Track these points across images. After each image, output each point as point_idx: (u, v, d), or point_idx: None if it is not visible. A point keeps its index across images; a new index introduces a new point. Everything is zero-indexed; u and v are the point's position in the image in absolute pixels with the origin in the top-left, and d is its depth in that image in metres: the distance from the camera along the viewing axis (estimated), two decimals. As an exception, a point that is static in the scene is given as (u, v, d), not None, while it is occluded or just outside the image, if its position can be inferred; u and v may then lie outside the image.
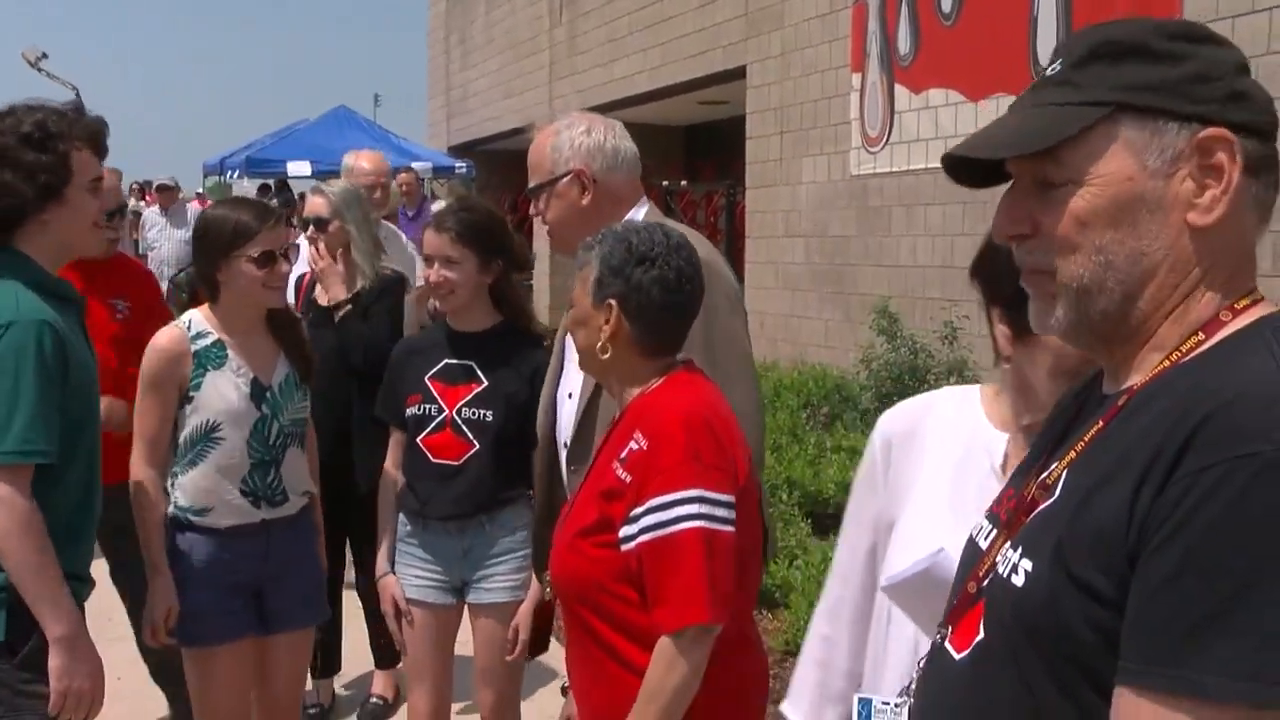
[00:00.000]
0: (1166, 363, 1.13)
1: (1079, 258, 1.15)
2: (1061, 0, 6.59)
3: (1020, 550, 1.15)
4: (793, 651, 4.41)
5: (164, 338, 2.95)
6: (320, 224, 3.95)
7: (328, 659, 4.23)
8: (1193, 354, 1.12)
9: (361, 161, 5.24)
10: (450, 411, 3.00)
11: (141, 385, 2.94)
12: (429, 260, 3.05)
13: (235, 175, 15.78)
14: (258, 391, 2.96)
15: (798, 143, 9.32)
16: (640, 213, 2.73)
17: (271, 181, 16.54)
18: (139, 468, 2.94)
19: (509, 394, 3.00)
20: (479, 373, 3.02)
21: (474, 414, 2.99)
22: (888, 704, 1.51)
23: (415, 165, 11.77)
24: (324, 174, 15.63)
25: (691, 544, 1.99)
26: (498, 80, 16.96)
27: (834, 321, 8.83)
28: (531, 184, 2.71)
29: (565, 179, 2.67)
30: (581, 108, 13.38)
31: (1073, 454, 1.17)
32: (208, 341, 2.95)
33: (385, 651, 4.21)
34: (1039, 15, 6.75)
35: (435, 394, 3.02)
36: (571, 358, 2.74)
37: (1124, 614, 1.02)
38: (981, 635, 1.18)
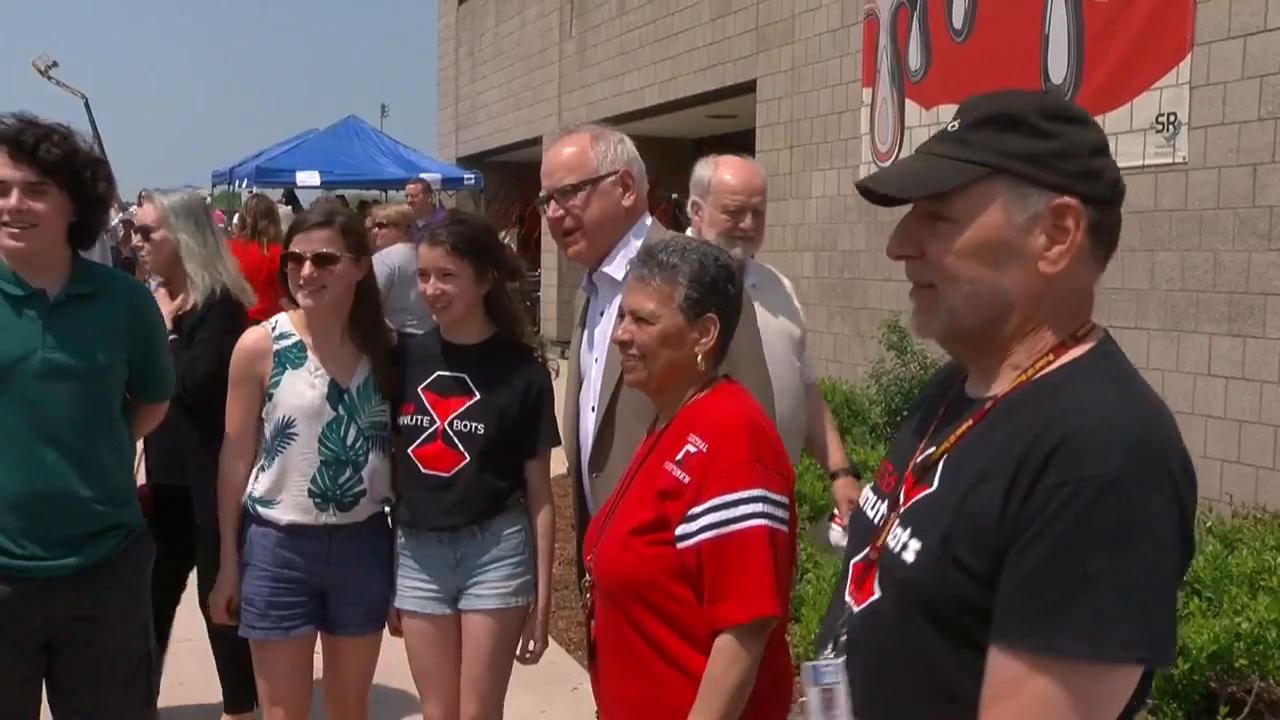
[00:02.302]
0: (1023, 377, 1.42)
1: (957, 285, 1.42)
2: (1073, 18, 6.62)
3: (909, 531, 1.43)
4: (803, 665, 4.41)
5: (249, 337, 3.11)
6: (145, 233, 3.74)
7: (238, 692, 3.78)
8: (1043, 372, 1.41)
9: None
10: (442, 423, 3.01)
11: (229, 382, 3.11)
12: (424, 274, 3.03)
13: (244, 185, 15.84)
14: (334, 393, 3.04)
15: (807, 157, 9.34)
16: (646, 224, 2.79)
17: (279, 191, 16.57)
18: (223, 458, 3.12)
19: (501, 408, 3.00)
20: (471, 385, 3.03)
21: (465, 426, 2.99)
22: (829, 664, 1.56)
23: (424, 176, 11.79)
24: (332, 184, 15.74)
25: (756, 540, 2.06)
26: (507, 92, 17.02)
27: (843, 336, 8.84)
28: (569, 182, 2.71)
29: (610, 178, 2.72)
30: (591, 120, 13.37)
31: (948, 445, 1.45)
32: (289, 342, 3.08)
33: (236, 691, 3.79)
34: (1050, 33, 6.77)
35: (427, 405, 3.03)
36: (593, 372, 2.75)
37: (992, 589, 1.32)
38: (877, 594, 1.47)
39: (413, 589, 3.09)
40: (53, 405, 2.65)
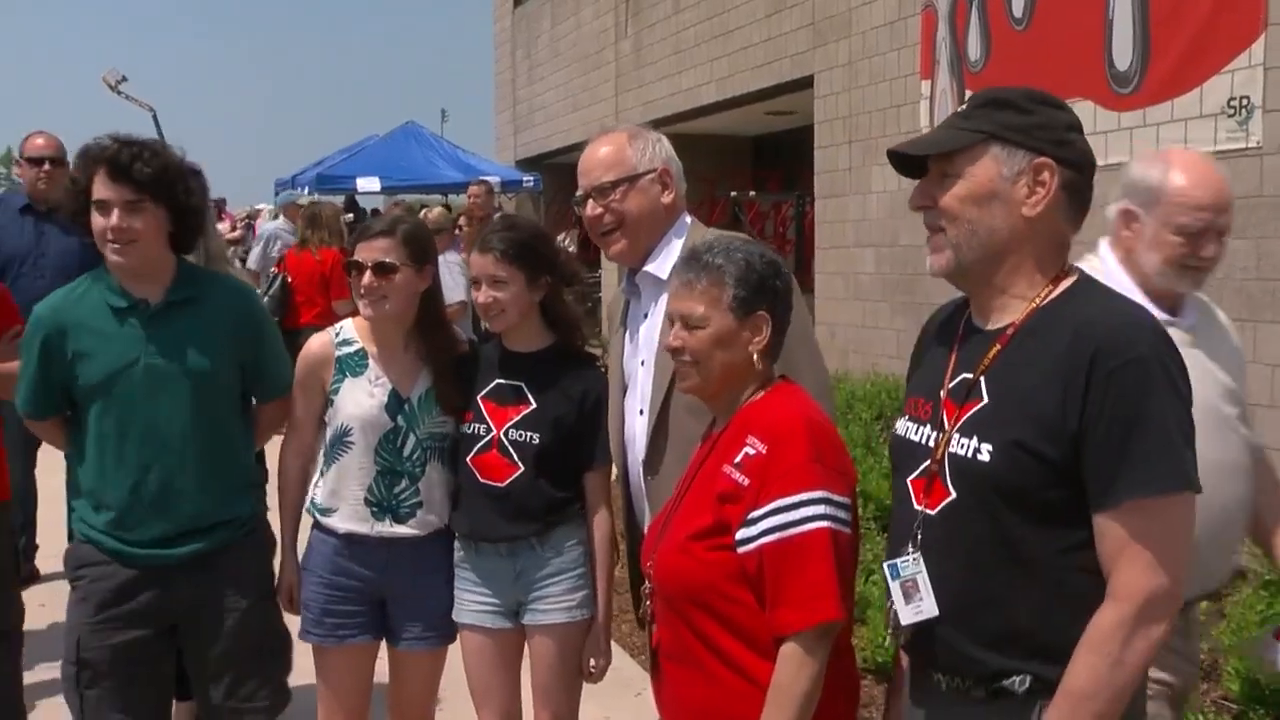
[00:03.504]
0: (1032, 306, 1.83)
1: (957, 225, 1.85)
2: (1138, 2, 6.45)
3: (975, 438, 1.79)
4: (870, 668, 4.33)
5: (314, 342, 3.14)
6: None
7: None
8: (1048, 300, 1.83)
9: None
10: (498, 432, 2.96)
11: (295, 381, 3.15)
12: (476, 282, 2.98)
13: (306, 192, 16.06)
14: (394, 402, 3.03)
15: (867, 151, 9.23)
16: (686, 223, 2.77)
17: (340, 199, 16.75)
18: (282, 454, 3.19)
19: (557, 417, 2.94)
20: (528, 394, 2.97)
21: (520, 436, 2.94)
22: (905, 559, 1.87)
23: (486, 178, 11.82)
24: (392, 189, 15.88)
25: (819, 543, 2.02)
26: (564, 94, 17.05)
27: (906, 332, 8.71)
28: (607, 179, 2.69)
29: (648, 176, 2.70)
30: (647, 119, 13.38)
31: (984, 366, 1.83)
32: (351, 349, 3.08)
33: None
34: (1114, 18, 6.62)
35: (485, 413, 2.99)
36: (639, 376, 2.72)
37: (1058, 468, 1.72)
38: (952, 495, 1.82)
39: (472, 602, 3.05)
40: (158, 409, 2.82)
